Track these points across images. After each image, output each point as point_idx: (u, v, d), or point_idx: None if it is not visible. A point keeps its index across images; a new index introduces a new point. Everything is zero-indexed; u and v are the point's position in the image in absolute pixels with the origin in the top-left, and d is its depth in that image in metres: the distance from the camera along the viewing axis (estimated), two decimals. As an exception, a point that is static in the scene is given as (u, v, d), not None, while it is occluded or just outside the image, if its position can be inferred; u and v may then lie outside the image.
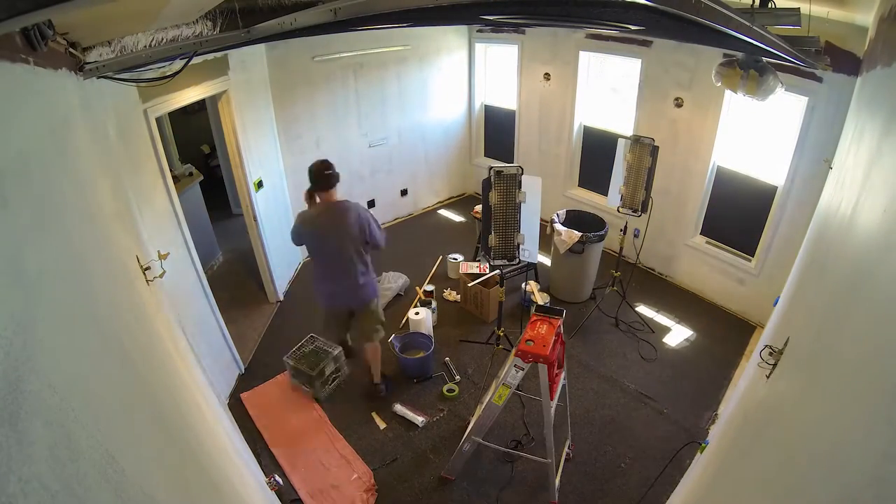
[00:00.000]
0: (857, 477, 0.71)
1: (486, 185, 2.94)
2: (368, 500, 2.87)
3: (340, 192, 3.15)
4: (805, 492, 0.92)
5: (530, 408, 3.42)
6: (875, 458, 0.66)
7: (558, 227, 4.31)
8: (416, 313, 3.99)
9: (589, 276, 4.55)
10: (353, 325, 3.50)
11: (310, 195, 3.02)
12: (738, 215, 4.32)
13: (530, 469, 3.04)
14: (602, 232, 4.28)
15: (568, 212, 4.65)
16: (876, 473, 0.64)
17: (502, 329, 3.52)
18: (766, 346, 1.56)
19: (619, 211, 3.90)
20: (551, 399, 2.53)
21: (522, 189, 2.93)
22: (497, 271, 4.23)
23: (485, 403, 2.75)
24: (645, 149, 3.64)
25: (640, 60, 4.47)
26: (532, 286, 4.47)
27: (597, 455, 3.12)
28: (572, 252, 4.21)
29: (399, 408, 3.46)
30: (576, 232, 4.18)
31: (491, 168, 2.92)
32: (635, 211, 3.79)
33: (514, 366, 2.50)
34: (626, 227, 4.02)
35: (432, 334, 4.01)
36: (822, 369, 1.08)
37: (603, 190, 5.25)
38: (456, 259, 5.05)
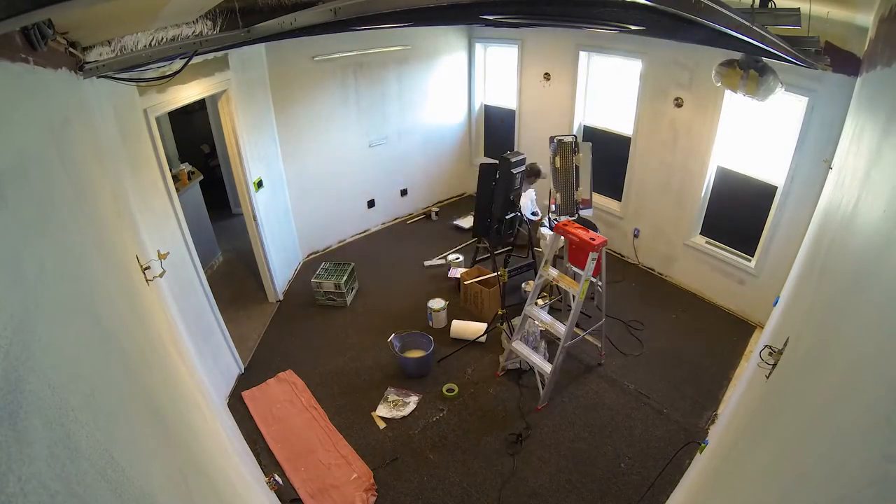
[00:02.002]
0: (857, 477, 0.70)
1: (485, 169, 3.51)
2: (368, 500, 2.87)
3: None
4: (805, 492, 0.92)
5: (527, 398, 3.43)
6: (875, 458, 0.66)
7: (544, 230, 4.24)
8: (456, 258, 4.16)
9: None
10: None
11: None
12: (737, 215, 4.32)
13: (531, 468, 3.04)
14: None
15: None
16: (876, 473, 0.64)
17: (503, 309, 3.61)
18: (766, 346, 1.56)
19: (557, 219, 3.89)
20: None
21: (579, 153, 3.72)
22: (498, 271, 4.23)
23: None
24: (567, 148, 3.66)
25: (640, 60, 4.47)
26: (532, 286, 4.46)
27: (597, 455, 3.12)
28: (558, 257, 4.16)
29: (391, 391, 3.54)
30: (561, 237, 4.13)
31: (552, 137, 3.66)
32: (572, 215, 3.80)
33: (591, 259, 3.15)
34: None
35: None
36: (822, 369, 1.08)
37: (603, 190, 5.26)
38: (457, 259, 5.05)
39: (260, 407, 3.54)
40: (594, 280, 3.39)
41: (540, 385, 3.48)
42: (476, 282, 4.34)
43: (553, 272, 3.43)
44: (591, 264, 3.19)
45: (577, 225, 3.39)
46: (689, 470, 2.83)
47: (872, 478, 0.65)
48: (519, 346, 3.57)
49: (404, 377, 3.75)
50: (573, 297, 3.28)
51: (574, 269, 3.51)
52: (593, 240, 3.20)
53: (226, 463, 2.04)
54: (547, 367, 3.38)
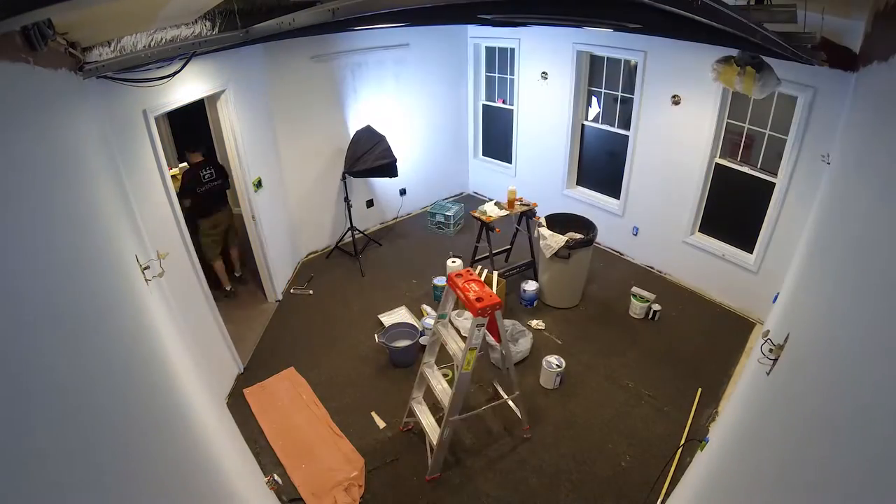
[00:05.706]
0: (857, 476, 0.71)
1: None
2: (368, 499, 2.87)
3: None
4: (805, 489, 0.92)
5: (525, 397, 3.43)
6: (876, 455, 0.66)
7: (543, 231, 4.25)
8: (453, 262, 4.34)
9: (578, 280, 4.47)
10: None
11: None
12: (736, 212, 4.32)
13: (531, 468, 3.04)
14: (591, 236, 4.23)
15: (555, 214, 4.54)
16: (876, 472, 0.65)
17: None
18: (767, 339, 1.57)
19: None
20: (498, 341, 2.84)
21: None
22: (496, 272, 4.24)
23: (453, 379, 2.82)
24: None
25: (639, 59, 4.47)
26: (532, 286, 4.47)
27: (597, 454, 3.13)
28: (558, 257, 4.18)
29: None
30: (561, 237, 4.12)
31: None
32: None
33: (476, 326, 2.53)
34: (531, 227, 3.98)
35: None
36: (823, 366, 1.09)
37: (602, 189, 5.28)
38: (453, 261, 5.05)
39: (261, 404, 3.54)
40: (494, 344, 2.82)
41: (429, 452, 3.01)
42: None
43: (443, 330, 2.86)
44: (477, 332, 2.50)
45: (475, 278, 2.72)
46: (690, 468, 2.84)
47: (873, 477, 0.65)
48: (416, 406, 3.14)
49: (393, 367, 3.84)
50: (456, 366, 2.66)
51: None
52: (480, 300, 2.49)
53: (225, 463, 2.04)
54: (434, 436, 2.88)
